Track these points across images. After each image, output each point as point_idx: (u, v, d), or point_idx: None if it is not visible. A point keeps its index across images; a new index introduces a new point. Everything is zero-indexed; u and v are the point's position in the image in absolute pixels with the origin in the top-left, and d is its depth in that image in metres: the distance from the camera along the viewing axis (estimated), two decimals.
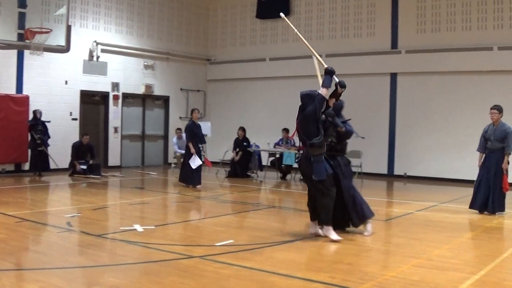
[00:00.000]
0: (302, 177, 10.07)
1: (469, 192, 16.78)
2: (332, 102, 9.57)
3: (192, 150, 16.47)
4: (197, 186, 16.46)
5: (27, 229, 9.99)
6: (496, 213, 12.26)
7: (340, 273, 7.21)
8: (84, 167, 19.03)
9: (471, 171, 19.05)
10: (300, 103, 9.41)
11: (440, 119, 19.94)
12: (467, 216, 12.24)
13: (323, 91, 9.14)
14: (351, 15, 22.09)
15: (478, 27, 19.27)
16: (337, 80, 9.62)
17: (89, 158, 19.33)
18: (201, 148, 17.07)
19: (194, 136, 16.71)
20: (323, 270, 7.28)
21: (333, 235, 9.03)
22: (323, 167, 8.94)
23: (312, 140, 9.01)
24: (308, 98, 9.19)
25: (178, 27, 25.11)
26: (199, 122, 17.18)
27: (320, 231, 9.31)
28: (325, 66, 9.71)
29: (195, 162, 16.30)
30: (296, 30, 10.85)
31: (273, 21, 24.24)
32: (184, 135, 22.08)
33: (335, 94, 9.73)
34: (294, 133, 9.57)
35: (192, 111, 17.22)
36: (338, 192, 9.23)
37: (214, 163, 23.19)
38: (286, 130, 19.56)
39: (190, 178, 16.62)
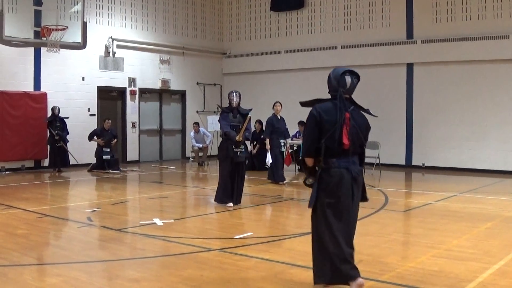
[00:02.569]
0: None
1: (487, 182, 16.80)
2: None
3: (267, 146, 16.21)
4: (280, 182, 16.12)
5: (47, 224, 10.09)
6: None
7: (360, 264, 7.18)
8: (108, 156, 19.16)
9: (490, 161, 19.13)
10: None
11: (457, 108, 19.84)
12: (486, 206, 12.18)
13: None
14: (366, 5, 22.00)
15: (494, 15, 19.13)
16: None
17: (114, 145, 19.60)
18: (282, 144, 16.64)
19: (274, 131, 16.42)
20: None
21: None
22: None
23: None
24: None
25: (193, 22, 25.14)
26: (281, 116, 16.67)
27: None
28: None
29: (268, 159, 16.09)
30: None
31: (288, 13, 24.22)
32: (201, 129, 22.22)
33: None
34: None
35: (274, 104, 16.70)
36: None
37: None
38: (302, 123, 19.54)
39: (273, 174, 16.37)
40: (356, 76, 6.21)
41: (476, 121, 19.43)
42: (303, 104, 6.24)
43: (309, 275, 6.61)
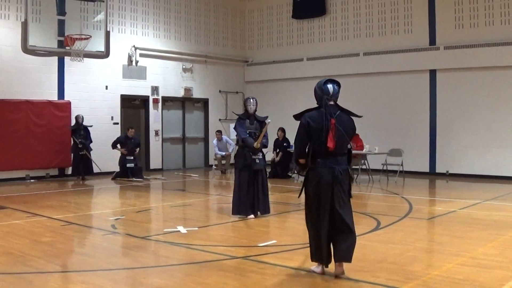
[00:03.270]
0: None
1: None
2: None
3: None
4: None
5: (72, 232, 10.15)
6: None
7: (384, 272, 7.17)
8: (132, 164, 19.25)
9: None
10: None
11: (481, 115, 19.69)
12: (511, 213, 12.08)
13: None
14: (388, 12, 21.94)
15: None
16: None
17: (136, 153, 19.64)
18: None
19: None
20: (366, 270, 7.24)
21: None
22: None
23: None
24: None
25: (215, 30, 25.23)
26: None
27: None
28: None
29: None
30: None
31: (310, 21, 24.23)
32: (224, 137, 22.25)
33: None
34: None
35: None
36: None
37: None
38: None
39: None
40: (337, 84, 7.11)
41: (500, 128, 19.27)
42: (295, 117, 7.16)
43: (333, 283, 6.61)
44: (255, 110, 11.84)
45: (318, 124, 6.82)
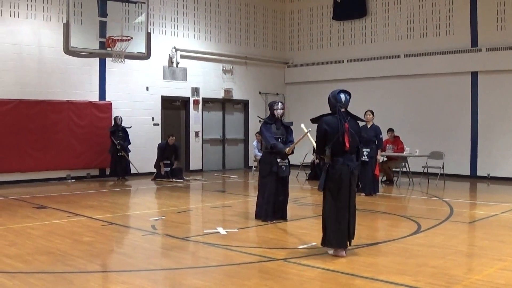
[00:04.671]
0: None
1: None
2: None
3: None
4: (372, 194, 15.40)
5: (112, 232, 10.23)
6: None
7: (425, 276, 7.08)
8: (168, 169, 19.34)
9: None
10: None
11: None
12: None
13: None
14: (429, 13, 21.72)
15: None
16: None
17: (173, 159, 19.63)
18: (365, 153, 15.17)
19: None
20: (407, 273, 7.17)
21: None
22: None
23: None
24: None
25: (255, 31, 25.24)
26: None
27: None
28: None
29: None
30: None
31: (350, 22, 24.11)
32: None
33: None
34: None
35: (365, 113, 15.83)
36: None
37: (294, 166, 23.26)
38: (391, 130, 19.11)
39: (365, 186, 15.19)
40: (348, 94, 8.52)
41: None
42: (312, 120, 8.51)
43: (373, 286, 6.56)
44: (282, 115, 11.58)
45: (334, 128, 8.15)
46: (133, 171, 19.67)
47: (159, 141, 20.28)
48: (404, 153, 18.38)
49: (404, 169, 19.00)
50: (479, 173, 20.45)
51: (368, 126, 15.62)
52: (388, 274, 6.95)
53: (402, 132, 18.66)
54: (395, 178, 18.73)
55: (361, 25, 23.82)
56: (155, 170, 19.67)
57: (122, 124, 19.45)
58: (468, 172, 20.51)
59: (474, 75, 20.59)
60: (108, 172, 19.91)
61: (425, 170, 18.87)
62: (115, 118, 19.45)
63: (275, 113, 11.39)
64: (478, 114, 20.47)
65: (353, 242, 8.42)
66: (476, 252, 8.96)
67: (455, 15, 21.03)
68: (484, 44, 20.19)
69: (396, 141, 18.73)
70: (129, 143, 19.55)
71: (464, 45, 20.70)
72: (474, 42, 20.52)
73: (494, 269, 7.43)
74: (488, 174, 20.18)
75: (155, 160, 19.62)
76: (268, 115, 11.91)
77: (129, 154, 19.53)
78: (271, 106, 11.57)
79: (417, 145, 18.92)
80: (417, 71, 21.70)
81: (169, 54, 21.79)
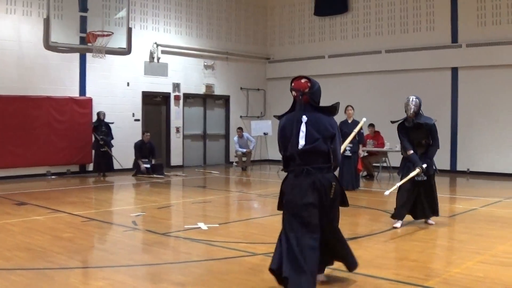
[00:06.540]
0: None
1: None
2: None
3: None
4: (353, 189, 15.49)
5: (93, 228, 10.18)
6: None
7: (405, 269, 7.14)
8: (148, 165, 19.30)
9: None
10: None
11: (503, 113, 19.51)
12: None
13: None
14: (410, 9, 21.78)
15: None
16: None
17: (151, 158, 19.58)
18: (348, 149, 14.97)
19: (342, 135, 15.44)
20: (388, 267, 7.23)
21: None
22: None
23: None
24: None
25: (236, 27, 25.21)
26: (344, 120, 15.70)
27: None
28: None
29: None
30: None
31: (331, 18, 24.14)
32: (245, 134, 22.28)
33: None
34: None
35: (346, 108, 15.74)
36: None
37: (275, 162, 23.28)
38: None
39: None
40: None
41: None
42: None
43: (354, 280, 6.57)
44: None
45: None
46: (116, 166, 19.57)
47: (140, 137, 20.15)
48: (385, 148, 18.47)
49: (385, 164, 19.10)
50: (458, 168, 20.57)
51: (349, 121, 15.63)
52: (368, 268, 6.98)
53: (382, 127, 18.71)
54: (376, 173, 18.80)
55: (342, 20, 23.85)
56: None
57: (105, 120, 19.35)
58: (448, 167, 20.61)
59: (454, 71, 20.69)
60: (89, 168, 19.82)
61: None
62: (98, 113, 19.34)
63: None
64: (458, 109, 20.59)
65: None
66: (455, 245, 9.05)
67: (436, 11, 21.11)
68: (465, 40, 20.29)
69: (376, 136, 18.80)
70: (112, 138, 19.46)
71: (444, 41, 20.79)
72: (454, 38, 20.62)
73: (473, 262, 7.50)
74: (468, 169, 20.30)
75: (134, 159, 19.59)
76: None
77: (112, 149, 19.43)
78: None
79: (397, 140, 18.90)
80: (397, 67, 21.76)
81: (150, 50, 21.70)
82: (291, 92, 6.33)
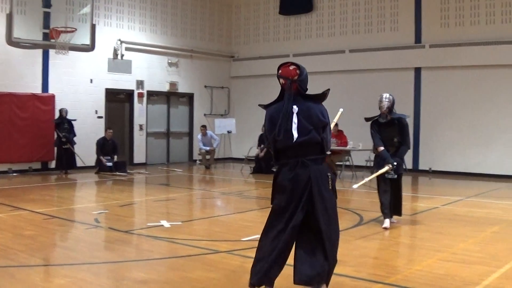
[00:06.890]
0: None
1: (494, 186, 16.78)
2: None
3: None
4: None
5: (54, 225, 10.11)
6: None
7: (366, 267, 7.22)
8: (110, 164, 19.20)
9: (497, 166, 19.11)
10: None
11: (464, 113, 19.81)
12: (493, 210, 12.18)
13: None
14: (374, 10, 22.00)
15: (502, 20, 19.11)
16: None
17: (113, 155, 19.48)
18: None
19: None
20: (349, 264, 7.28)
21: None
22: None
23: None
24: None
25: (201, 24, 25.18)
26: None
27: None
28: None
29: None
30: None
31: (296, 17, 24.24)
32: (209, 132, 22.29)
33: None
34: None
35: None
36: None
37: (238, 160, 23.31)
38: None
39: None
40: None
41: (483, 126, 19.40)
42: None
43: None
44: None
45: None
46: (79, 163, 19.43)
47: (103, 134, 20.03)
48: (348, 147, 18.59)
49: (348, 163, 19.24)
50: (420, 167, 20.81)
51: None
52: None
53: (345, 126, 18.82)
54: (339, 172, 18.93)
55: (307, 20, 23.97)
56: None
57: (67, 117, 19.20)
58: (410, 166, 20.79)
59: (418, 71, 20.94)
60: (51, 165, 19.66)
61: (368, 164, 19.11)
62: (60, 110, 19.17)
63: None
64: (421, 109, 20.82)
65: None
66: (416, 243, 9.16)
67: (400, 12, 21.33)
68: (428, 40, 20.54)
69: (339, 135, 18.91)
70: (75, 135, 19.30)
71: (408, 41, 21.02)
72: (418, 38, 20.86)
73: (434, 260, 7.60)
74: (430, 168, 20.55)
75: (96, 156, 19.49)
76: None
77: (74, 146, 19.28)
78: None
79: (360, 139, 19.12)
80: (361, 66, 21.94)
81: (114, 46, 21.57)
82: (278, 80, 6.08)
